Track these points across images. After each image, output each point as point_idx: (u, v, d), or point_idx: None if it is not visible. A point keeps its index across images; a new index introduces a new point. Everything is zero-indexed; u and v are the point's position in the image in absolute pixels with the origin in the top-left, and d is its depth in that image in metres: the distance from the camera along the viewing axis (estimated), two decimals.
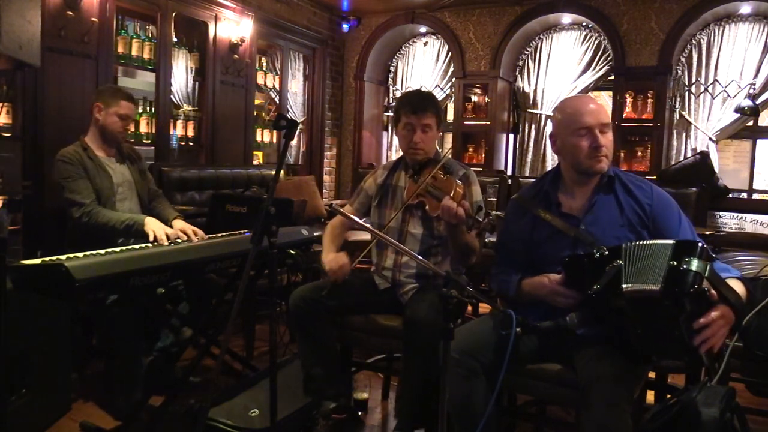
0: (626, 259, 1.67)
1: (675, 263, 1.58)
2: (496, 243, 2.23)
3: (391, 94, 6.56)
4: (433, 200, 2.20)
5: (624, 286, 1.63)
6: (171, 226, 2.72)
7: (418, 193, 2.28)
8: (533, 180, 2.23)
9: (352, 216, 2.17)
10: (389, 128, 6.64)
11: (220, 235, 2.53)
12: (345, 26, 6.24)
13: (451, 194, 2.12)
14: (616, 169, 2.01)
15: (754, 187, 5.38)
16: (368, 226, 2.09)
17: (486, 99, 5.81)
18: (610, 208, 1.93)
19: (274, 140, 5.63)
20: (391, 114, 6.51)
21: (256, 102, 5.39)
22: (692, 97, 5.14)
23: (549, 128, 5.70)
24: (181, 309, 2.80)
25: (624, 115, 5.21)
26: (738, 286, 1.67)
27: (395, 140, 6.57)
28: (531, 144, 5.80)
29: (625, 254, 1.68)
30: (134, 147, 3.08)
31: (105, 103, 2.79)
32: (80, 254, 1.89)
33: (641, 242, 1.72)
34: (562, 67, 5.60)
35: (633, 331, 1.67)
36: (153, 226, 2.57)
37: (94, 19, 3.66)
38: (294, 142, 5.94)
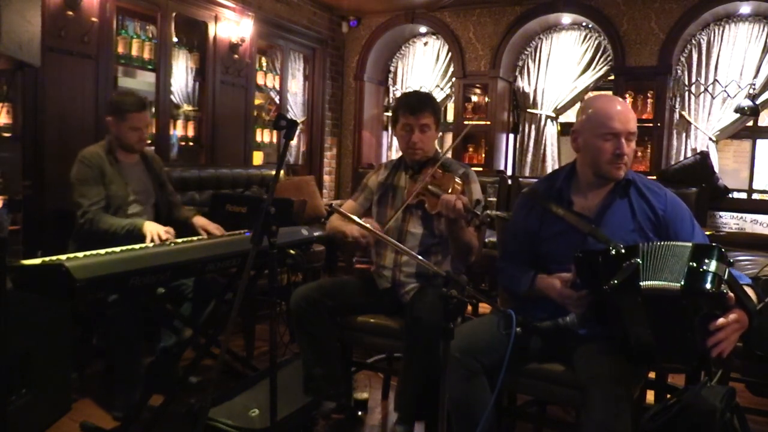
0: (643, 257, 1.66)
1: (695, 264, 1.58)
2: (504, 237, 2.22)
3: (391, 94, 6.56)
4: (433, 198, 2.21)
5: (642, 283, 1.62)
6: (192, 224, 2.77)
7: (417, 192, 2.29)
8: (542, 177, 2.22)
9: (353, 217, 2.17)
10: (389, 128, 6.64)
11: (225, 234, 2.54)
12: (345, 26, 6.25)
13: (450, 191, 2.13)
14: (634, 173, 1.98)
15: (754, 187, 5.38)
16: (367, 225, 2.09)
17: (486, 99, 5.81)
18: (622, 212, 1.92)
19: (274, 140, 5.63)
20: (391, 114, 6.51)
21: (256, 102, 5.39)
22: (692, 97, 5.14)
23: (549, 128, 5.71)
24: (184, 310, 2.80)
25: None
26: (750, 293, 1.67)
27: (395, 140, 6.56)
28: (531, 144, 5.80)
29: (642, 253, 1.67)
30: (157, 156, 3.04)
31: (114, 118, 2.76)
32: (80, 254, 1.89)
33: (659, 242, 1.71)
34: (562, 67, 5.59)
35: (642, 333, 1.66)
36: (150, 227, 2.58)
37: (94, 19, 3.66)
38: (294, 142, 5.93)
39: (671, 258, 1.63)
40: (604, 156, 1.88)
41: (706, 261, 1.57)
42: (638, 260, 1.65)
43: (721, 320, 1.55)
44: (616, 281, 1.65)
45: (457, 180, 2.25)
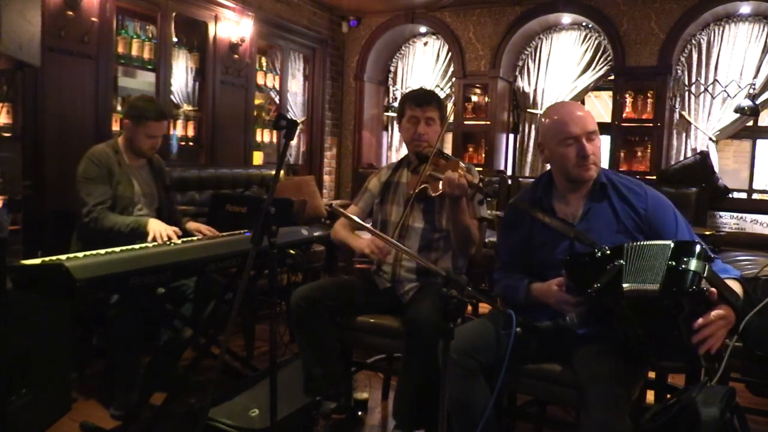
0: (627, 258, 1.67)
1: (674, 263, 1.59)
2: (497, 248, 2.23)
3: (391, 94, 6.56)
4: (435, 182, 2.21)
5: (624, 285, 1.63)
6: (184, 229, 2.75)
7: (421, 180, 2.31)
8: (530, 182, 2.23)
9: (352, 216, 2.17)
10: (389, 128, 6.65)
11: (220, 234, 2.54)
12: (345, 26, 6.25)
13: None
14: (609, 173, 2.00)
15: (754, 187, 5.38)
16: (368, 226, 2.09)
17: (486, 99, 5.81)
18: (604, 215, 1.92)
19: (274, 140, 5.63)
20: (391, 114, 6.52)
21: (256, 102, 5.39)
22: (692, 97, 5.14)
23: None
24: (185, 310, 2.80)
25: (624, 115, 5.21)
26: (736, 287, 1.67)
27: (395, 140, 6.58)
28: (531, 144, 5.79)
29: (626, 254, 1.68)
30: (162, 161, 3.06)
31: (133, 122, 2.77)
32: (80, 254, 1.89)
33: (642, 242, 1.72)
34: (562, 67, 5.60)
35: (633, 332, 1.67)
36: (154, 226, 2.57)
37: (94, 19, 3.66)
38: (294, 142, 5.93)
39: (651, 258, 1.64)
40: (569, 161, 1.91)
41: (686, 259, 1.58)
42: (621, 262, 1.66)
43: (700, 320, 1.55)
44: (598, 285, 1.66)
45: (462, 165, 2.25)
